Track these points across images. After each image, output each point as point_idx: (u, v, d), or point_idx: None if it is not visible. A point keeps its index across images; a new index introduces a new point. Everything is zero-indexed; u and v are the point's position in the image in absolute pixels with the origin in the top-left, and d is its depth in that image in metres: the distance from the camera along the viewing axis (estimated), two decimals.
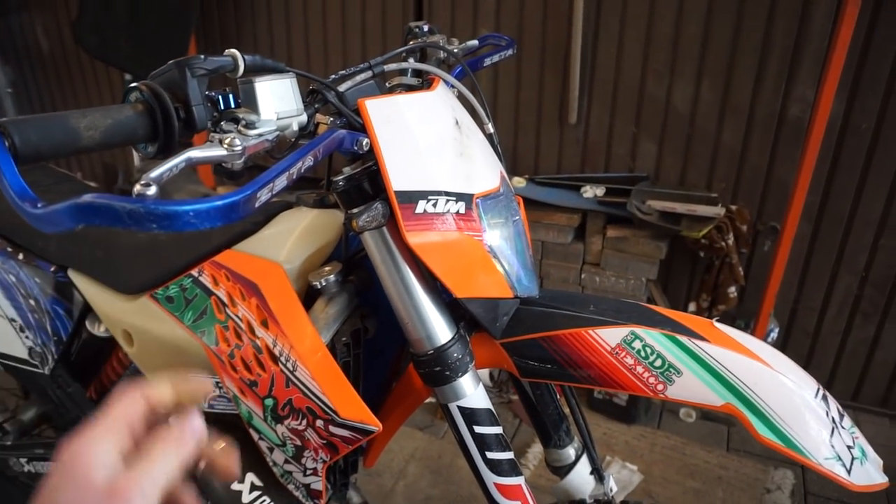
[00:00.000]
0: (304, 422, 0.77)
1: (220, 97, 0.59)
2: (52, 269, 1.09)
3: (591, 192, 2.10)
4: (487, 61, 1.00)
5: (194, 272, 0.86)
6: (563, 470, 1.00)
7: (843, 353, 2.10)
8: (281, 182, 0.55)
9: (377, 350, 0.94)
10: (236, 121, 0.59)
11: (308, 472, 0.83)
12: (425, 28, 0.92)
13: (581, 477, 1.00)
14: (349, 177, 0.72)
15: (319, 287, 0.80)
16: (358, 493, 1.04)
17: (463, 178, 0.73)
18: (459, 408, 0.77)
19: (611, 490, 1.02)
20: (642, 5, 1.97)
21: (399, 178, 0.68)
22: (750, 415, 0.68)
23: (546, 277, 2.17)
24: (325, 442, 0.78)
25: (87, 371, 1.16)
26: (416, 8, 2.30)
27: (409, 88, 0.85)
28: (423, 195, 0.69)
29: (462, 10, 2.24)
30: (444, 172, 0.71)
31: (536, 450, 1.93)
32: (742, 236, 1.98)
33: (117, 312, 0.98)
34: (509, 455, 0.79)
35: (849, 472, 0.67)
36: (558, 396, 0.98)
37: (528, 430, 2.03)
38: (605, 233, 2.05)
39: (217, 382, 0.85)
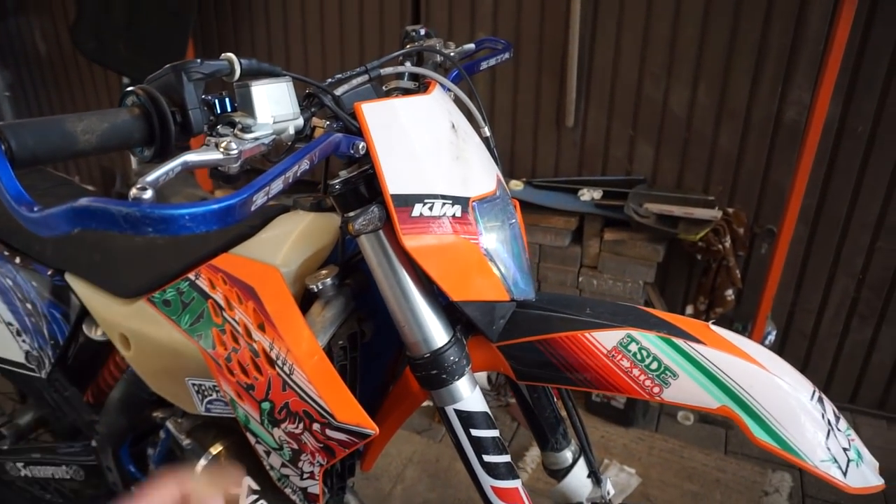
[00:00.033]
0: (301, 425, 0.77)
1: (216, 101, 0.59)
2: (49, 272, 1.09)
3: (588, 195, 2.10)
4: (484, 65, 1.00)
5: (191, 276, 0.86)
6: (561, 473, 1.00)
7: (840, 355, 2.10)
8: (277, 186, 0.55)
9: (374, 353, 0.94)
10: (233, 124, 0.59)
11: (305, 475, 0.83)
12: (422, 31, 0.92)
13: (578, 480, 1.00)
14: (345, 180, 0.72)
15: (316, 290, 0.80)
16: (355, 496, 1.04)
17: (459, 181, 0.73)
18: (456, 411, 0.77)
19: (608, 493, 1.02)
20: (639, 8, 1.97)
21: (395, 181, 0.69)
22: (746, 417, 0.68)
23: (543, 280, 2.18)
24: (321, 445, 0.77)
25: (84, 375, 1.16)
26: (414, 11, 2.31)
27: (406, 92, 0.85)
28: (420, 198, 0.70)
29: (459, 14, 2.24)
30: (440, 176, 0.71)
31: (534, 453, 1.93)
32: (739, 239, 1.98)
33: (114, 316, 0.98)
34: (506, 458, 0.79)
35: (845, 474, 0.67)
36: (555, 399, 0.98)
37: (525, 434, 2.03)
38: (603, 236, 2.06)
39: (214, 386, 0.85)
